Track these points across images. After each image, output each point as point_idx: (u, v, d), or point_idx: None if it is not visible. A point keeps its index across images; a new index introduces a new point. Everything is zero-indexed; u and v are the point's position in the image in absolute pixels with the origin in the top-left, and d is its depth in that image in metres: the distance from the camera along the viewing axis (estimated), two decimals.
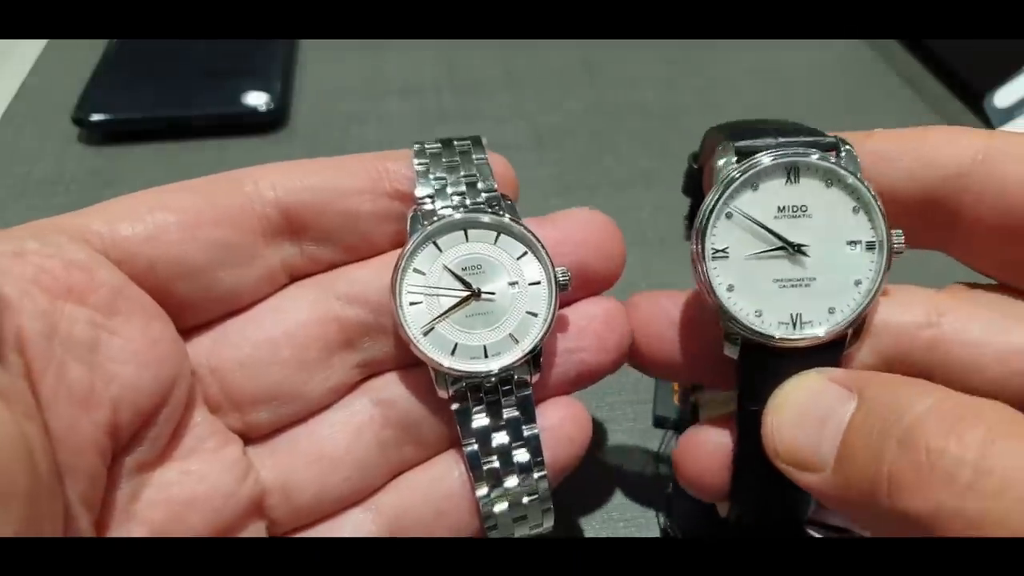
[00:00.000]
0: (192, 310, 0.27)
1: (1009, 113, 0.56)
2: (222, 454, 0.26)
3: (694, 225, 0.28)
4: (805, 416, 0.25)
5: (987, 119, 0.57)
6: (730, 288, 0.27)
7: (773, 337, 0.27)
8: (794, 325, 0.27)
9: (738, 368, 0.28)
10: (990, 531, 0.18)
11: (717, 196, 0.27)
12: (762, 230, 0.27)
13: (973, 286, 0.29)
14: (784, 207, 0.27)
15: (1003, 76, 0.57)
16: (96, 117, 0.56)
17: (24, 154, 0.56)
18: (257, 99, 0.58)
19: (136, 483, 0.24)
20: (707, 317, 0.29)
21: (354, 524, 0.28)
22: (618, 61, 0.66)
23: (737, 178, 0.27)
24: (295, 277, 0.29)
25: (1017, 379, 0.26)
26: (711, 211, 0.27)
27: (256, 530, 0.27)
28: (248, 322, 0.28)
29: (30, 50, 0.66)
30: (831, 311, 0.27)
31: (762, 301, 0.27)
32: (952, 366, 0.26)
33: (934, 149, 0.27)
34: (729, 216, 0.27)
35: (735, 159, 0.27)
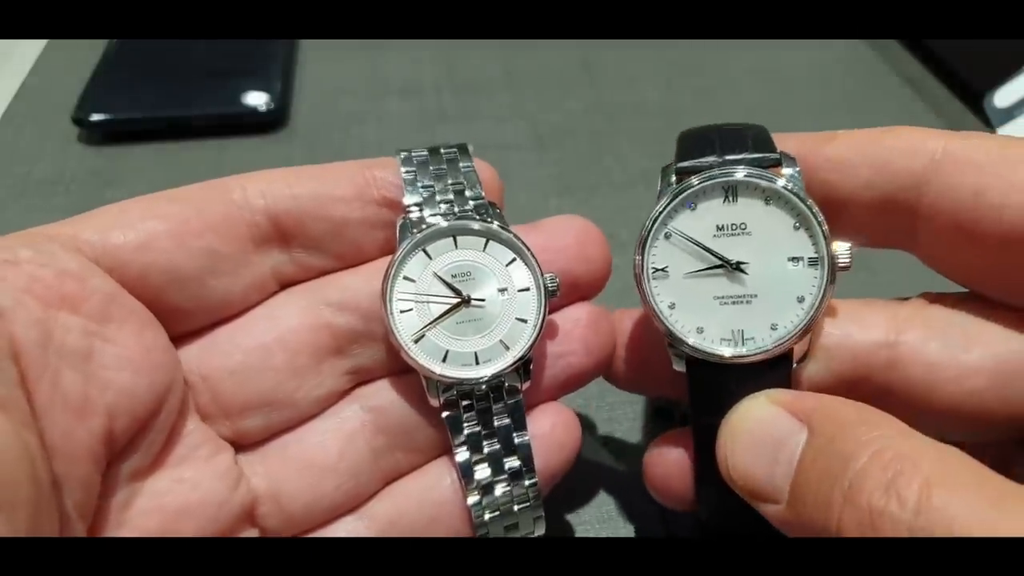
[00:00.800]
0: (183, 318, 0.27)
1: (1009, 113, 0.56)
2: (214, 462, 0.27)
3: (636, 242, 0.28)
4: (757, 446, 0.25)
5: (987, 119, 0.57)
6: (672, 306, 0.28)
7: (709, 353, 0.27)
8: (735, 342, 0.27)
9: (688, 382, 0.28)
10: None
11: (655, 217, 0.28)
12: (700, 249, 0.28)
13: (937, 298, 0.28)
14: (723, 225, 0.28)
15: (1003, 76, 0.57)
16: (96, 117, 0.56)
17: (24, 154, 0.56)
18: (257, 99, 0.58)
19: (129, 491, 0.24)
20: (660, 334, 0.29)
21: (347, 532, 0.28)
22: (618, 61, 0.66)
23: (673, 199, 0.27)
24: (285, 285, 0.29)
25: (973, 399, 0.26)
26: (649, 231, 0.28)
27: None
28: (238, 330, 0.28)
29: (30, 50, 0.66)
30: (773, 327, 0.27)
31: (703, 318, 0.27)
32: (910, 386, 0.27)
33: (891, 154, 0.27)
34: (668, 236, 0.28)
35: (674, 179, 0.28)
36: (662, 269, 0.28)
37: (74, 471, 0.21)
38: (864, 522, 0.20)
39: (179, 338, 0.27)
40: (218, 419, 0.27)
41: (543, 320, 0.28)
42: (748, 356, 0.27)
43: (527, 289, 0.28)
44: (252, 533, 0.27)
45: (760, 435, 0.25)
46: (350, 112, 0.60)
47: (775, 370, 0.27)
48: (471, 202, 0.29)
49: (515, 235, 0.29)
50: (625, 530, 0.36)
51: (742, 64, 0.65)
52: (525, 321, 0.28)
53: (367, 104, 0.61)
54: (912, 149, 0.26)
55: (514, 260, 0.29)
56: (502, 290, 0.28)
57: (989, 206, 0.25)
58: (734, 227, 0.27)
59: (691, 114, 0.60)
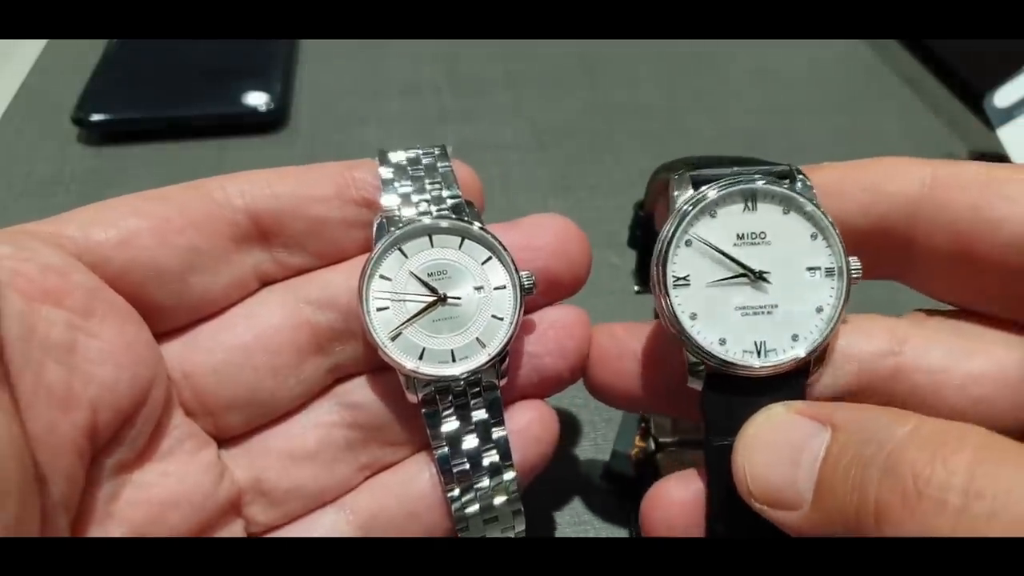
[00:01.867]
0: (164, 315, 0.27)
1: (1009, 113, 0.56)
2: (200, 456, 0.27)
3: (654, 253, 0.27)
4: (777, 452, 0.24)
5: (987, 119, 0.57)
6: (693, 316, 0.27)
7: (738, 365, 0.26)
8: (758, 353, 0.27)
9: (702, 401, 0.27)
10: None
11: (675, 223, 0.27)
12: (723, 257, 0.27)
13: (932, 313, 0.28)
14: (743, 234, 0.27)
15: (1003, 76, 0.57)
16: (96, 117, 0.56)
17: (24, 154, 0.56)
18: (257, 99, 0.58)
19: (116, 484, 0.24)
20: (666, 349, 0.28)
21: (329, 524, 0.29)
22: (618, 61, 0.66)
23: (695, 206, 0.27)
24: (266, 283, 0.29)
25: (978, 407, 0.26)
26: (670, 239, 0.27)
27: (234, 529, 0.28)
28: (220, 328, 0.28)
29: (30, 50, 0.66)
30: (795, 338, 0.27)
31: (726, 330, 0.27)
32: (915, 394, 0.26)
33: (881, 179, 0.27)
34: (689, 244, 0.27)
35: (691, 189, 0.27)
36: (683, 278, 0.27)
37: (58, 464, 0.22)
38: (908, 492, 0.19)
39: (161, 335, 0.27)
40: (200, 415, 0.28)
41: (519, 317, 0.28)
42: (773, 367, 0.26)
43: (503, 287, 0.29)
44: (237, 524, 0.28)
45: (780, 440, 0.24)
46: (350, 112, 0.60)
47: (791, 383, 0.27)
48: (448, 201, 0.30)
49: (490, 233, 0.29)
50: (623, 530, 0.36)
51: (742, 64, 0.65)
52: (501, 319, 0.28)
53: (367, 104, 0.61)
54: (901, 174, 0.27)
55: (490, 258, 0.29)
56: (478, 288, 0.29)
57: (987, 220, 0.25)
58: (754, 236, 0.27)
59: (691, 114, 0.60)
